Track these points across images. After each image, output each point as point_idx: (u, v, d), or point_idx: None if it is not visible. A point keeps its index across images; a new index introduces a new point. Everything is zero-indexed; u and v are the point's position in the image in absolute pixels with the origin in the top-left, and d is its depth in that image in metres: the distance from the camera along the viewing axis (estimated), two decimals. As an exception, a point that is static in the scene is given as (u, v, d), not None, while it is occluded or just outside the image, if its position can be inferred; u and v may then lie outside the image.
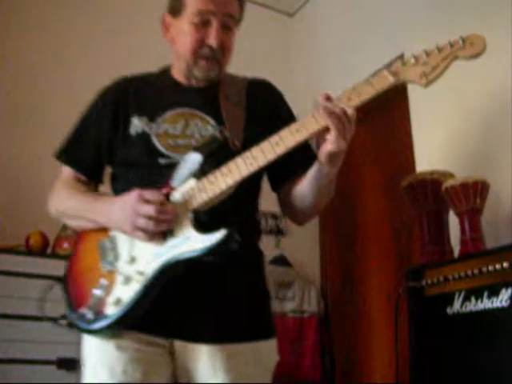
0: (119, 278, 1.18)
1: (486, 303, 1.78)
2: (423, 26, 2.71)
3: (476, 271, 1.82)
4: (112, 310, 1.16)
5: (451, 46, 1.11)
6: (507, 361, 1.68)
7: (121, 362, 1.17)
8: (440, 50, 1.12)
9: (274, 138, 1.15)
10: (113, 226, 1.24)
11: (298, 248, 3.33)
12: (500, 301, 1.74)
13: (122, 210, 1.18)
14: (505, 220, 2.12)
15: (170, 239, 1.16)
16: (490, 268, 1.78)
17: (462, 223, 2.06)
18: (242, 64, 3.06)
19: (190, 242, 1.13)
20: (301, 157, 1.24)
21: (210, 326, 1.23)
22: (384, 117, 3.07)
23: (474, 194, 2.02)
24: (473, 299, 1.82)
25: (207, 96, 1.36)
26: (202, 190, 1.17)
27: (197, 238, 1.13)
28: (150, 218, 1.14)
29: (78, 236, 1.33)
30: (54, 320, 2.16)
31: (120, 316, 1.15)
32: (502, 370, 1.69)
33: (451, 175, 2.20)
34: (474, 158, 2.29)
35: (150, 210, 1.14)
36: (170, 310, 1.20)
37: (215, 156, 1.19)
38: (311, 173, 1.25)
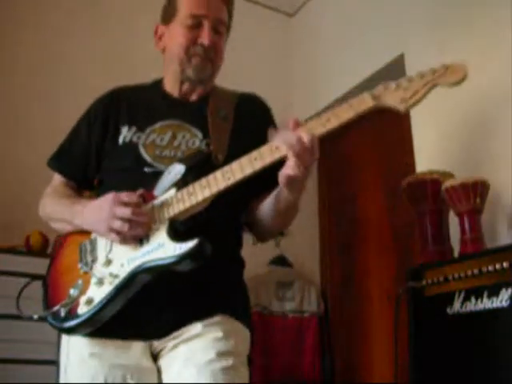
0: (93, 279, 1.20)
1: (486, 303, 1.78)
2: (423, 26, 2.71)
3: (476, 271, 1.82)
4: (83, 310, 1.18)
5: (433, 72, 1.12)
6: (507, 361, 1.68)
7: (102, 371, 1.20)
8: (422, 76, 1.12)
9: (254, 154, 1.16)
10: (88, 228, 1.27)
11: (298, 248, 3.32)
12: (500, 301, 1.74)
13: (97, 211, 1.22)
14: (505, 220, 2.12)
15: (145, 245, 1.18)
16: (490, 268, 1.78)
17: (461, 223, 2.06)
18: (242, 64, 3.08)
19: (163, 249, 1.15)
20: (272, 175, 1.18)
21: (182, 314, 1.25)
22: (384, 117, 3.07)
23: (473, 194, 2.02)
24: (473, 299, 1.82)
25: (196, 109, 1.39)
26: (181, 199, 1.19)
27: (170, 245, 1.14)
28: (125, 220, 1.17)
29: (63, 238, 1.37)
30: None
31: (90, 315, 1.17)
32: (502, 370, 1.69)
33: (451, 175, 2.20)
34: (473, 157, 2.29)
35: (125, 211, 1.17)
36: (144, 313, 1.22)
37: (198, 168, 1.22)
38: (273, 193, 1.26)
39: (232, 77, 1.66)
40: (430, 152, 2.56)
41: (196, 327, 1.23)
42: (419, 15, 2.74)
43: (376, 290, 2.99)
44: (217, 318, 1.25)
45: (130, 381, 1.20)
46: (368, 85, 3.09)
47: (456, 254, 2.11)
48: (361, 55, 3.11)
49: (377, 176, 3.08)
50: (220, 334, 1.23)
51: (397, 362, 2.06)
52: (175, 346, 1.23)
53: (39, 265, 2.26)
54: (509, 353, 1.68)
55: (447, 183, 2.08)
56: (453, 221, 2.17)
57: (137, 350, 1.23)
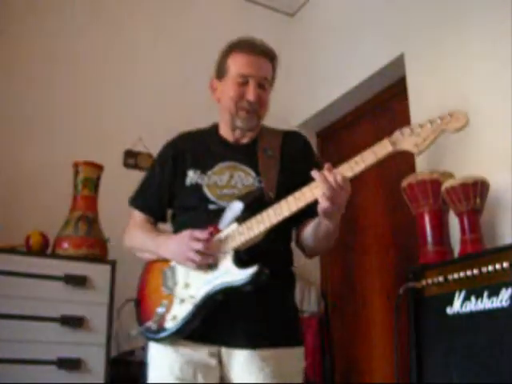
0: (176, 300, 1.50)
1: (485, 303, 1.78)
2: (423, 26, 2.71)
3: (476, 271, 1.82)
4: (170, 325, 1.47)
5: (441, 119, 1.31)
6: (507, 361, 1.68)
7: (178, 363, 1.48)
8: (432, 122, 1.31)
9: (297, 194, 1.40)
10: (170, 257, 1.56)
11: (298, 248, 3.32)
12: (500, 301, 1.74)
13: (177, 244, 1.52)
14: (505, 220, 2.12)
15: (214, 271, 1.46)
16: (490, 268, 1.78)
17: (461, 223, 2.07)
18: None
19: (230, 275, 1.43)
20: (313, 205, 1.41)
21: (249, 336, 1.48)
22: (384, 117, 3.08)
23: (473, 194, 2.02)
24: (473, 299, 1.82)
25: (248, 151, 1.66)
26: (241, 233, 1.46)
27: (235, 271, 1.43)
28: (197, 252, 1.45)
29: (147, 265, 1.66)
30: (55, 320, 2.17)
31: (176, 329, 1.46)
32: (502, 370, 1.69)
33: (451, 175, 2.20)
34: (473, 158, 2.29)
35: (199, 245, 1.45)
36: (217, 323, 1.47)
37: (254, 205, 1.49)
38: (315, 220, 1.50)
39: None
40: (430, 152, 2.55)
41: (260, 355, 1.46)
42: (419, 15, 2.74)
43: (376, 289, 2.99)
44: (279, 351, 1.50)
45: (200, 380, 1.46)
46: (368, 85, 3.11)
47: (456, 254, 2.11)
48: (361, 55, 3.12)
49: (377, 176, 3.08)
50: (284, 368, 1.49)
51: (397, 362, 2.06)
52: (237, 375, 1.48)
53: (39, 265, 2.29)
54: (509, 353, 1.68)
55: (447, 183, 2.08)
56: (453, 221, 2.17)
57: (208, 351, 1.48)
